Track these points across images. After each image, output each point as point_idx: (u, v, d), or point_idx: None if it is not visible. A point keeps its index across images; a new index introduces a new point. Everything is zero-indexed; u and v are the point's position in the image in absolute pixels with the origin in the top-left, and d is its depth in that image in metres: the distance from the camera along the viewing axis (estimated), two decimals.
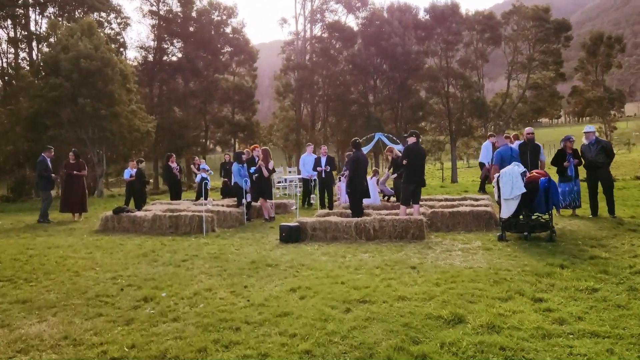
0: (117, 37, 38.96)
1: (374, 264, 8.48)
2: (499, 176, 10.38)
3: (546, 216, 10.40)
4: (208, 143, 44.67)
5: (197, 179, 18.62)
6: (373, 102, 45.21)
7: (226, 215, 13.98)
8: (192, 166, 19.72)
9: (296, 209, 14.48)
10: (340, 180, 15.50)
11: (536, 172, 10.55)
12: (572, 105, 46.14)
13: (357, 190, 12.33)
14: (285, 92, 44.98)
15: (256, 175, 14.42)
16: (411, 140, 12.01)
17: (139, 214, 13.66)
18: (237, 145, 45.25)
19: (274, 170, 14.80)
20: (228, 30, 43.02)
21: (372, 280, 7.36)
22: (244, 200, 14.56)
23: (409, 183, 11.83)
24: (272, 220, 14.58)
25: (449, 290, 6.74)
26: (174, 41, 42.59)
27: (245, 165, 14.94)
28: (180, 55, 42.87)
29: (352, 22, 45.68)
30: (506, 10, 43.51)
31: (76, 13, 36.23)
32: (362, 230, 11.10)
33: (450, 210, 12.21)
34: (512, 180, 10.12)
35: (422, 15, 45.68)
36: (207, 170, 19.43)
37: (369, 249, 10.02)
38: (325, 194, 16.65)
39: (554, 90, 42.38)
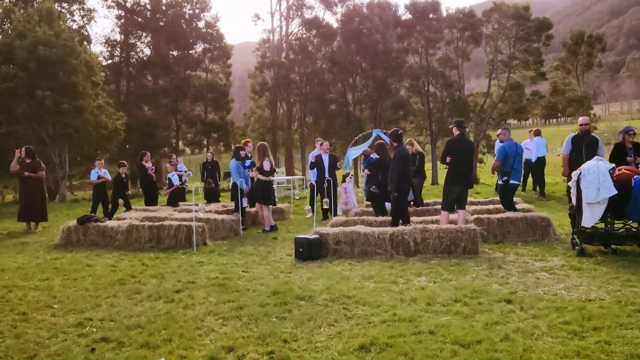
0: (81, 31, 35.57)
1: (448, 296, 5.98)
2: (579, 175, 8.03)
3: (636, 224, 8.12)
4: (180, 144, 41.53)
5: (175, 181, 15.95)
6: (352, 101, 42.83)
7: (218, 224, 11.31)
8: (168, 165, 16.90)
9: (312, 214, 11.64)
10: (345, 182, 12.95)
11: (625, 169, 8.25)
12: (540, 107, 44.59)
13: (403, 192, 9.83)
14: (261, 91, 42.17)
15: (251, 173, 11.84)
16: (455, 131, 9.62)
17: (110, 223, 10.85)
18: (209, 147, 42.34)
19: (273, 170, 12.18)
20: (201, 24, 39.97)
21: (471, 327, 4.85)
22: (244, 204, 11.93)
23: (453, 184, 9.41)
24: (275, 230, 11.97)
25: (598, 343, 4.31)
26: (142, 35, 39.32)
27: (248, 162, 12.28)
28: (149, 50, 39.68)
29: (331, 18, 43.37)
30: (487, 8, 41.72)
31: (35, 3, 32.76)
32: (399, 243, 8.59)
33: (498, 216, 9.82)
34: (598, 180, 7.77)
35: (402, 12, 43.53)
36: (186, 172, 16.67)
37: (418, 269, 7.53)
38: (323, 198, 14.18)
39: (536, 89, 40.77)
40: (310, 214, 9.47)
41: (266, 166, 11.92)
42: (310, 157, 14.64)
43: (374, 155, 11.60)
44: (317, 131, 42.75)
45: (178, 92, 38.65)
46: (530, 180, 17.75)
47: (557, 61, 42.32)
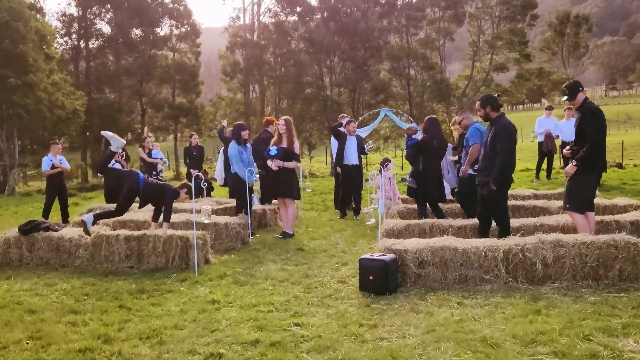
0: (34, 3, 31.09)
1: None
2: None
3: None
4: (145, 129, 37.49)
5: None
6: (330, 84, 39.57)
7: (220, 231, 8.02)
8: (140, 151, 13.37)
9: (373, 220, 7.88)
10: (386, 169, 9.77)
11: None
12: (525, 89, 42.37)
13: (507, 187, 6.67)
14: (232, 73, 38.44)
15: (274, 161, 8.55)
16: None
17: (68, 233, 7.40)
18: (178, 133, 38.31)
19: (299, 156, 8.94)
20: None
21: None
22: (255, 201, 8.66)
23: (590, 173, 6.35)
24: (291, 236, 8.79)
25: None
26: (102, 9, 34.96)
27: (249, 146, 9.02)
28: (110, 27, 35.36)
29: None
30: None
31: None
32: (519, 265, 5.53)
33: (630, 218, 6.87)
34: None
35: None
36: (161, 159, 13.21)
37: (580, 312, 4.49)
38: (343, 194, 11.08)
39: (521, 71, 38.54)
40: (372, 221, 6.31)
41: (297, 147, 8.72)
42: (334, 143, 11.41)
43: (418, 135, 8.44)
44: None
45: (143, 73, 34.57)
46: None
47: (543, 42, 40.05)
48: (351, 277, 6.11)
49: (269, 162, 8.68)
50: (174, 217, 8.31)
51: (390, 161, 9.73)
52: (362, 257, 5.56)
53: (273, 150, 8.58)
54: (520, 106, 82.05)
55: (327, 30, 38.10)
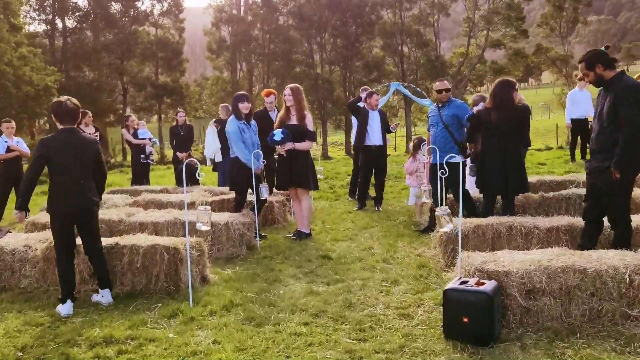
0: None
1: None
2: None
3: None
4: (127, 109, 34.98)
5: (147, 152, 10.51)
6: (321, 61, 37.33)
7: (220, 233, 5.99)
8: (123, 132, 11.15)
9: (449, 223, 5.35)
10: (419, 151, 7.72)
11: None
12: (521, 67, 40.44)
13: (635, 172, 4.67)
14: (218, 50, 35.96)
15: (284, 143, 6.54)
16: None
17: (8, 242, 5.30)
18: (162, 114, 35.82)
19: (314, 134, 6.87)
20: None
21: None
22: (264, 194, 6.58)
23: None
24: (308, 236, 6.81)
25: None
26: None
27: (254, 124, 6.94)
28: (88, 0, 32.62)
29: None
30: None
31: None
32: None
33: None
34: None
35: None
36: (150, 140, 11.07)
37: None
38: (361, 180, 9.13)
39: (518, 48, 36.58)
40: (449, 226, 4.40)
41: (310, 124, 6.70)
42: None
43: (481, 104, 6.38)
44: (280, 94, 37.15)
45: (124, 50, 32.02)
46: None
47: (541, 17, 38.10)
48: (415, 307, 4.17)
49: (278, 149, 6.68)
50: (159, 217, 6.27)
51: (425, 142, 7.72)
52: (448, 286, 3.59)
53: (277, 134, 6.54)
54: None
55: (317, 5, 35.78)
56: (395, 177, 12.35)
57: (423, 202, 6.94)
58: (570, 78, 35.58)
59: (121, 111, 33.66)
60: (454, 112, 6.46)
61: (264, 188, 6.45)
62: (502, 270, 3.71)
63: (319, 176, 8.92)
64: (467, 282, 3.58)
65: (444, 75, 38.06)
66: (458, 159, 5.73)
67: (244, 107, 6.92)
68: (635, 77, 7.27)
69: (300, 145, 6.65)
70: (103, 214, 6.48)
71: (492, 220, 5.29)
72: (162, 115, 35.60)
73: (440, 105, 6.62)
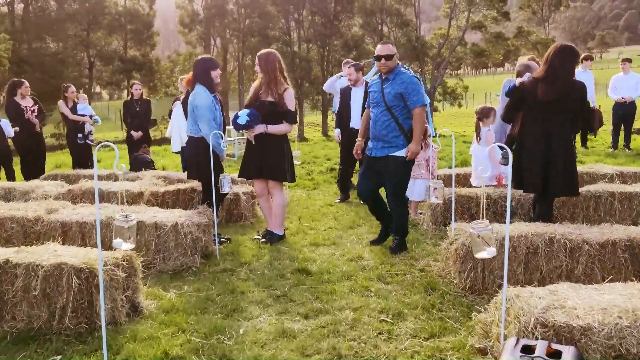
0: None
1: None
2: None
3: None
4: (94, 85, 32.81)
5: (82, 132, 8.92)
6: (299, 39, 35.58)
7: (166, 236, 4.53)
8: (60, 104, 9.36)
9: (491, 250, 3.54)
10: (428, 143, 6.26)
11: None
12: (502, 50, 39.33)
13: None
14: (191, 24, 33.88)
15: (251, 127, 5.14)
16: None
17: None
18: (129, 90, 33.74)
19: (295, 114, 5.37)
20: None
21: None
22: (226, 187, 5.06)
23: None
24: (281, 239, 5.41)
25: None
26: None
27: (243, 116, 5.35)
28: None
29: None
30: None
31: None
32: None
33: None
34: None
35: None
36: (91, 117, 9.43)
37: None
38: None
39: (499, 31, 35.42)
40: (491, 251, 3.10)
41: (290, 102, 5.25)
42: (334, 88, 8.05)
43: (527, 75, 4.87)
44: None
45: (90, 20, 29.81)
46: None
47: (522, 0, 36.92)
48: None
49: (247, 134, 5.26)
50: (87, 214, 4.79)
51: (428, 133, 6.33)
52: (506, 357, 2.23)
53: (242, 116, 5.10)
54: (484, 70, 79.62)
55: None
56: None
57: (431, 203, 5.55)
58: None
59: (87, 86, 31.55)
60: (397, 90, 4.74)
61: (225, 180, 4.99)
62: (578, 325, 2.37)
63: (295, 162, 7.49)
64: (530, 348, 2.22)
65: (424, 57, 36.76)
66: (401, 152, 4.71)
67: (217, 75, 5.40)
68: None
69: (275, 129, 5.22)
70: (17, 209, 4.97)
71: (524, 229, 3.94)
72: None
73: (383, 79, 4.89)
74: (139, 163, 8.50)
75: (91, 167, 9.13)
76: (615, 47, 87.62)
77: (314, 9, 34.20)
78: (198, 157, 5.20)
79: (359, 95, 7.14)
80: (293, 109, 5.28)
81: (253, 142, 5.24)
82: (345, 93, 7.25)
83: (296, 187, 8.84)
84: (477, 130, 6.06)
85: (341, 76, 8.04)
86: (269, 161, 5.25)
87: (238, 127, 5.15)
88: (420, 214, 6.37)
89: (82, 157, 9.09)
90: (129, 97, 9.44)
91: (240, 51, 35.58)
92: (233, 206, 6.25)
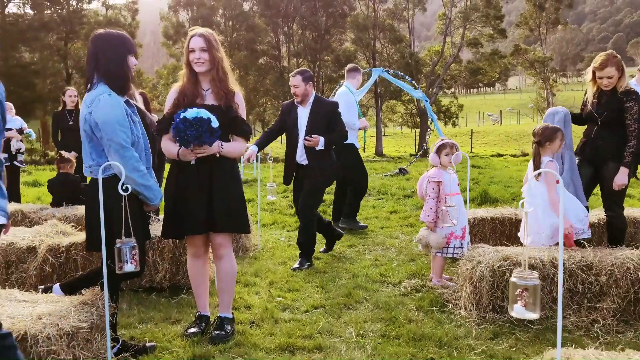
0: None
1: None
2: None
3: None
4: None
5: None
6: (288, 54, 33.73)
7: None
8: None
9: None
10: (447, 162, 4.22)
11: None
12: (499, 67, 37.73)
13: None
14: (175, 35, 31.88)
15: (205, 144, 3.07)
16: None
17: None
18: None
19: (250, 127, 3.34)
20: None
21: None
22: (128, 265, 2.86)
23: None
24: (230, 334, 3.26)
25: None
26: None
27: (135, 109, 3.19)
28: None
29: None
30: None
31: None
32: None
33: None
34: None
35: None
36: (24, 132, 7.34)
37: None
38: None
39: (495, 49, 33.80)
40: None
41: (241, 105, 3.32)
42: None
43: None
44: (245, 88, 33.39)
45: (68, 30, 27.72)
46: None
47: (520, 17, 35.38)
48: None
49: (185, 154, 3.15)
50: None
51: (456, 147, 4.24)
52: None
53: (209, 120, 3.07)
54: (474, 90, 78.38)
55: None
56: (379, 192, 8.93)
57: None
58: (548, 81, 32.95)
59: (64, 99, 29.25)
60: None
61: (127, 248, 2.80)
62: None
63: (270, 198, 5.36)
64: None
65: (418, 75, 34.98)
66: None
67: (133, 65, 3.23)
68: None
69: (231, 148, 3.19)
70: None
71: None
72: None
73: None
74: (66, 189, 6.26)
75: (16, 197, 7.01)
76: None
77: (305, 22, 32.42)
78: (93, 209, 3.02)
79: (304, 116, 5.06)
80: (243, 114, 3.33)
81: (192, 162, 3.14)
82: (289, 113, 5.17)
83: (273, 227, 6.74)
84: (536, 159, 3.99)
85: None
86: (223, 202, 3.16)
87: (189, 138, 3.02)
88: (450, 282, 4.27)
89: (10, 184, 6.94)
90: (61, 107, 7.31)
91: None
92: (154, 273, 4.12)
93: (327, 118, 5.02)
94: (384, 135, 41.88)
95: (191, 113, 3.00)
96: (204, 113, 3.02)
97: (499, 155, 25.97)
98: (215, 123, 3.01)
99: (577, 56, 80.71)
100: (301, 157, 5.05)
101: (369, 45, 33.38)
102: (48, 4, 28.18)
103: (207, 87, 3.25)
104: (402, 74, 12.10)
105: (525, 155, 27.83)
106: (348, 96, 6.48)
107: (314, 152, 4.94)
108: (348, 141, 5.97)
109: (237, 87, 3.37)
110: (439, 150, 4.33)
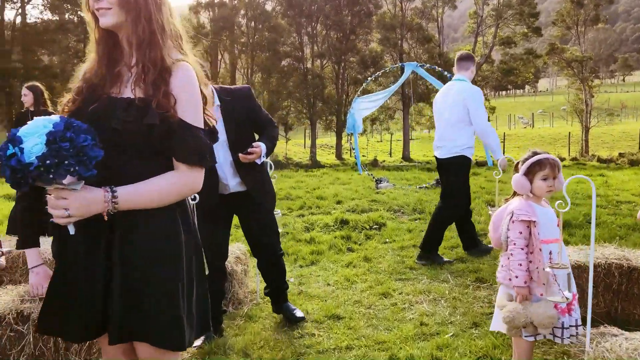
0: None
1: None
2: None
3: None
4: None
5: None
6: (312, 55, 32.22)
7: None
8: None
9: None
10: (541, 190, 2.63)
11: None
12: (533, 68, 35.58)
13: None
14: (196, 37, 30.71)
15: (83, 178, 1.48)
16: None
17: None
18: None
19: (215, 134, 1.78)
20: None
21: None
22: None
23: None
24: None
25: None
26: None
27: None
28: None
29: None
30: None
31: None
32: None
33: None
34: None
35: None
36: None
37: None
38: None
39: (530, 48, 31.74)
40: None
41: (192, 100, 1.67)
42: None
43: None
44: (267, 91, 32.02)
45: (84, 31, 26.78)
46: None
47: (556, 14, 33.21)
48: None
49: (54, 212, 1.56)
50: None
51: (558, 166, 2.63)
52: None
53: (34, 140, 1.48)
54: (504, 92, 75.77)
55: None
56: (415, 211, 7.27)
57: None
58: (586, 82, 30.70)
59: None
60: None
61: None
62: None
63: (277, 214, 3.86)
64: None
65: (445, 77, 33.11)
66: None
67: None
68: None
69: (144, 191, 1.65)
70: None
71: None
72: None
73: None
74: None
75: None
76: (639, 69, 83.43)
77: (329, 22, 30.84)
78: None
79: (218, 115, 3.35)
80: (210, 122, 1.78)
81: (72, 232, 1.55)
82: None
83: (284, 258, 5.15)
84: None
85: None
86: (137, 297, 1.58)
87: (21, 178, 1.46)
88: None
89: None
90: (25, 108, 5.88)
91: (249, 67, 32.22)
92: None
93: (246, 112, 3.30)
94: (411, 139, 40.01)
95: (30, 129, 1.47)
96: (56, 125, 1.46)
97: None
98: (86, 140, 1.46)
99: (610, 57, 77.36)
100: (233, 182, 3.28)
101: (396, 46, 31.62)
102: (69, 6, 27.27)
103: (133, 63, 1.68)
104: (439, 69, 10.41)
105: (562, 159, 25.80)
106: (478, 91, 4.92)
107: (250, 170, 3.27)
108: (463, 151, 4.63)
109: (191, 58, 1.80)
110: (532, 171, 2.68)
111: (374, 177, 10.17)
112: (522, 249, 2.64)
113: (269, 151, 3.23)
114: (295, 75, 31.33)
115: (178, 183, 1.62)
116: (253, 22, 31.03)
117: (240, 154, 3.14)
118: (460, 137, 4.85)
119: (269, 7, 32.20)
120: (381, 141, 40.84)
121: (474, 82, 5.16)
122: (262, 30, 30.51)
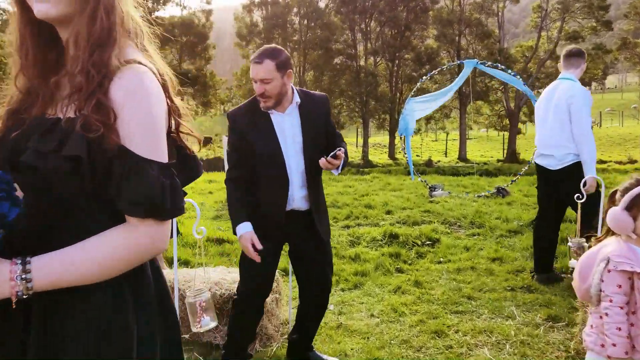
0: None
1: None
2: None
3: None
4: None
5: None
6: (365, 52, 31.52)
7: None
8: None
9: None
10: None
11: None
12: (603, 64, 33.42)
13: None
14: (249, 36, 30.64)
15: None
16: None
17: None
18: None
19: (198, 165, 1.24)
20: None
21: None
22: None
23: None
24: None
25: None
26: None
27: None
28: None
29: None
30: None
31: None
32: None
33: None
34: None
35: None
36: None
37: None
38: None
39: (599, 43, 29.73)
40: None
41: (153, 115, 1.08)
42: None
43: None
44: (319, 89, 31.56)
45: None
46: None
47: (629, 6, 31.03)
48: None
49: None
50: None
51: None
52: None
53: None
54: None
55: None
56: (473, 224, 6.52)
57: None
58: None
59: None
60: None
61: None
62: None
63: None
64: None
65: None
66: None
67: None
68: None
69: (80, 260, 1.03)
70: None
71: None
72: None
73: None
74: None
75: None
76: None
77: (383, 18, 30.02)
78: None
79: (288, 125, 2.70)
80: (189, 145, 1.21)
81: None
82: (254, 129, 2.73)
83: (339, 278, 4.55)
84: None
85: None
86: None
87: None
88: None
89: None
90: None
91: (302, 65, 31.89)
92: None
93: (324, 118, 2.74)
94: (468, 139, 38.55)
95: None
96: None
97: (602, 162, 22.41)
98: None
99: None
100: (299, 195, 2.72)
101: (454, 42, 30.39)
102: None
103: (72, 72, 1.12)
104: (502, 66, 9.55)
105: (633, 162, 23.82)
106: (587, 92, 4.24)
107: (317, 185, 2.77)
108: (578, 157, 4.18)
109: (158, 57, 1.22)
110: (636, 204, 1.98)
111: (427, 184, 9.42)
112: (622, 307, 1.94)
113: (344, 165, 2.67)
114: (347, 73, 30.74)
115: (127, 245, 1.04)
116: (306, 20, 30.67)
117: (323, 158, 2.52)
118: (571, 142, 4.15)
119: (322, 4, 31.74)
120: (436, 140, 39.58)
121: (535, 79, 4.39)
122: (314, 27, 30.08)
